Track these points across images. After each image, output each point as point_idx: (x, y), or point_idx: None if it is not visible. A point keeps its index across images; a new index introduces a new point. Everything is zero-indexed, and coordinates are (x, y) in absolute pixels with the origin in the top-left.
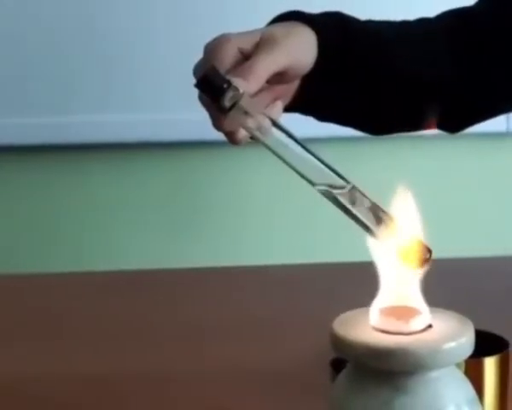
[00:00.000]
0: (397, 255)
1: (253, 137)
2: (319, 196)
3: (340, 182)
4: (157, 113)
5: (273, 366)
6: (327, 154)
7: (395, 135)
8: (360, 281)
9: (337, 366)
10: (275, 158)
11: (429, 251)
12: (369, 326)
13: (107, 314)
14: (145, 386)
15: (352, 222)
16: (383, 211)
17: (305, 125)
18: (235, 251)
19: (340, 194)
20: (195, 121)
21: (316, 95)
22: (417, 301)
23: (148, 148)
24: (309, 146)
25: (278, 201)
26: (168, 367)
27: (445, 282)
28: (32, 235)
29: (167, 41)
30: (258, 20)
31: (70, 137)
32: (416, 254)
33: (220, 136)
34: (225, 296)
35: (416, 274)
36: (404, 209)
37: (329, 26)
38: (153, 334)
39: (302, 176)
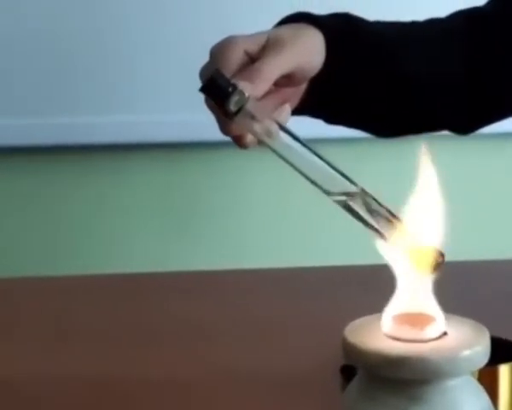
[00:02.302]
0: (409, 260)
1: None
2: (321, 199)
3: (351, 187)
4: (159, 114)
5: (275, 370)
6: (330, 155)
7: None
8: (363, 285)
9: (347, 373)
10: (276, 160)
11: (442, 255)
12: (382, 334)
13: (107, 317)
14: (145, 388)
15: (354, 225)
16: (394, 215)
17: (309, 125)
18: (236, 253)
19: (351, 200)
20: (197, 122)
21: (323, 97)
22: (431, 307)
23: (150, 149)
24: (315, 148)
25: (279, 203)
26: (169, 370)
27: (454, 285)
28: (33, 236)
29: (168, 42)
30: (259, 20)
31: (71, 139)
32: (428, 259)
33: (223, 137)
34: (227, 300)
35: (429, 279)
36: (420, 211)
37: (337, 28)
38: (153, 336)
39: (311, 181)
